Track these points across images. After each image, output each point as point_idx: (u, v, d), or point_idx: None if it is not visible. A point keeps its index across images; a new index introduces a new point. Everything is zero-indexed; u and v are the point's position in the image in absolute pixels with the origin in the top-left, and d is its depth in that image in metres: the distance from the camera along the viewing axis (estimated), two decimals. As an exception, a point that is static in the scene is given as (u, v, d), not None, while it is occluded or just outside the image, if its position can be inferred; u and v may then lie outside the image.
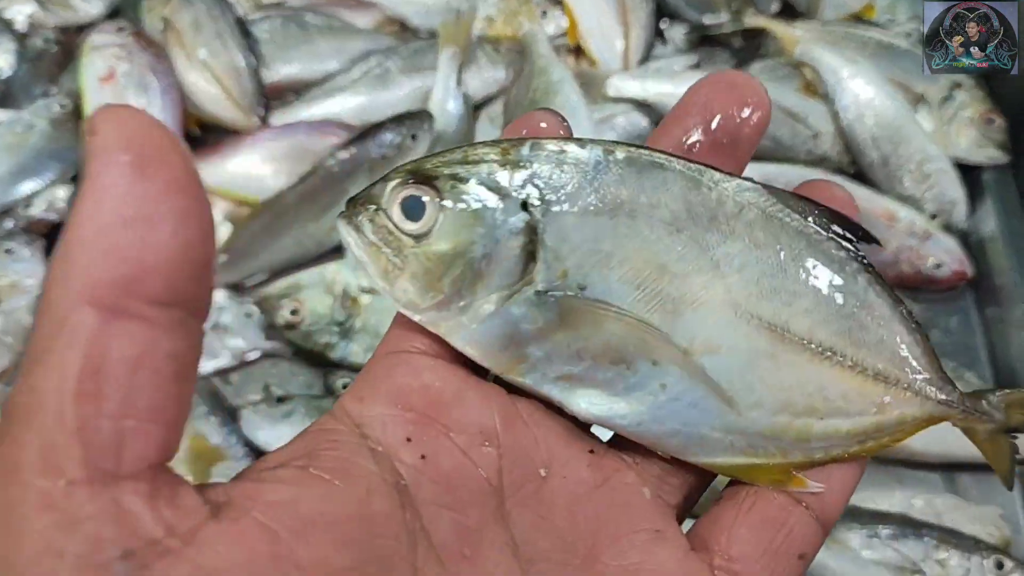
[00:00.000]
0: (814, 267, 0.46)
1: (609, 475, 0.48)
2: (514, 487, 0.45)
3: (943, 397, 0.48)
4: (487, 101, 1.45)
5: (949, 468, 1.21)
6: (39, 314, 0.35)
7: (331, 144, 1.31)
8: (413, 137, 1.29)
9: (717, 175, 0.47)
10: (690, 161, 0.47)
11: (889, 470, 1.21)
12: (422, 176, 0.45)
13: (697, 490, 0.50)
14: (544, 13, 1.50)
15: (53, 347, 0.33)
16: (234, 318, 1.24)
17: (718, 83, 0.51)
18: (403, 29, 1.52)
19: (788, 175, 1.35)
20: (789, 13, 1.52)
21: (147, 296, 0.34)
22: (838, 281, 0.47)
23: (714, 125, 0.50)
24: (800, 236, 0.47)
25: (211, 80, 1.36)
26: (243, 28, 1.41)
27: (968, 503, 1.15)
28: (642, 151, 0.47)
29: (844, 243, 0.48)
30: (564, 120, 0.51)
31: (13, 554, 0.32)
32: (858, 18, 1.51)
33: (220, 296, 1.25)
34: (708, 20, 1.48)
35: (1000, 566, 1.05)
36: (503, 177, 0.45)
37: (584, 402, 0.47)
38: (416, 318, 0.46)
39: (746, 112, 0.50)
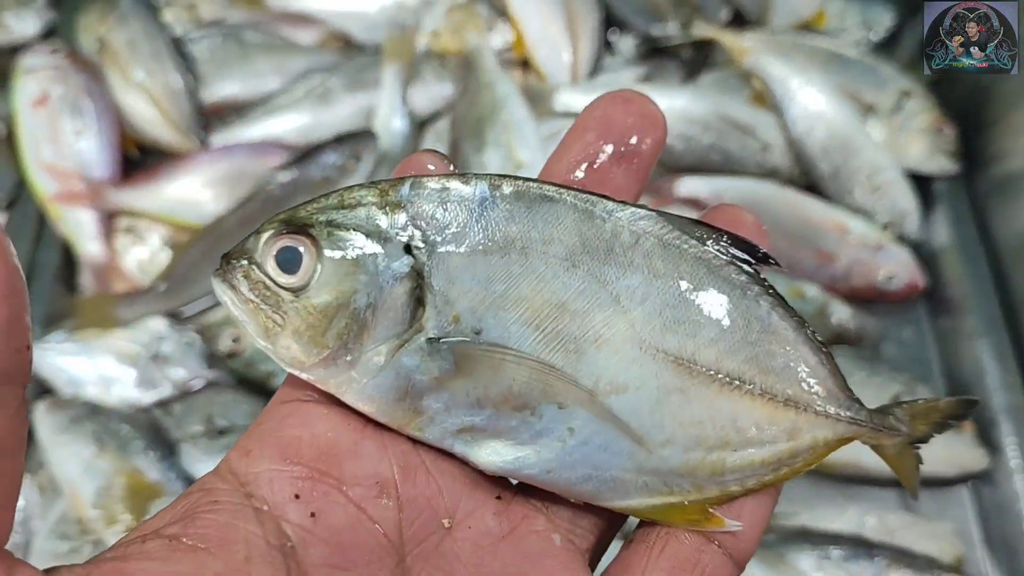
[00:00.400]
0: (716, 294, 0.45)
1: (517, 523, 0.46)
2: (415, 541, 0.43)
3: (852, 416, 0.47)
4: (433, 117, 1.43)
5: (902, 484, 1.19)
6: None
7: (272, 166, 1.28)
8: (356, 158, 1.27)
9: (610, 204, 0.45)
10: (581, 191, 0.45)
11: (842, 488, 1.19)
12: (296, 225, 0.43)
13: (609, 531, 0.49)
14: (491, 26, 1.47)
15: None
16: (175, 347, 1.20)
17: (614, 100, 0.50)
18: (347, 45, 1.49)
19: (739, 188, 1.34)
20: (740, 22, 1.51)
21: None
22: (741, 307, 0.46)
23: (613, 140, 0.49)
24: (699, 263, 0.45)
25: (148, 102, 1.33)
26: (181, 47, 1.38)
27: (921, 520, 1.14)
28: (530, 184, 0.45)
29: (745, 267, 0.46)
30: (450, 162, 0.49)
31: None
32: (808, 27, 1.50)
33: (160, 325, 1.21)
34: (657, 31, 1.46)
35: (952, 586, 1.04)
36: (383, 220, 0.43)
37: (488, 452, 0.45)
38: (304, 376, 0.44)
39: (642, 128, 0.49)
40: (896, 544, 1.09)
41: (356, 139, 1.29)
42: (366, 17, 1.46)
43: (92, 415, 1.12)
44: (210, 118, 1.38)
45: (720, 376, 0.45)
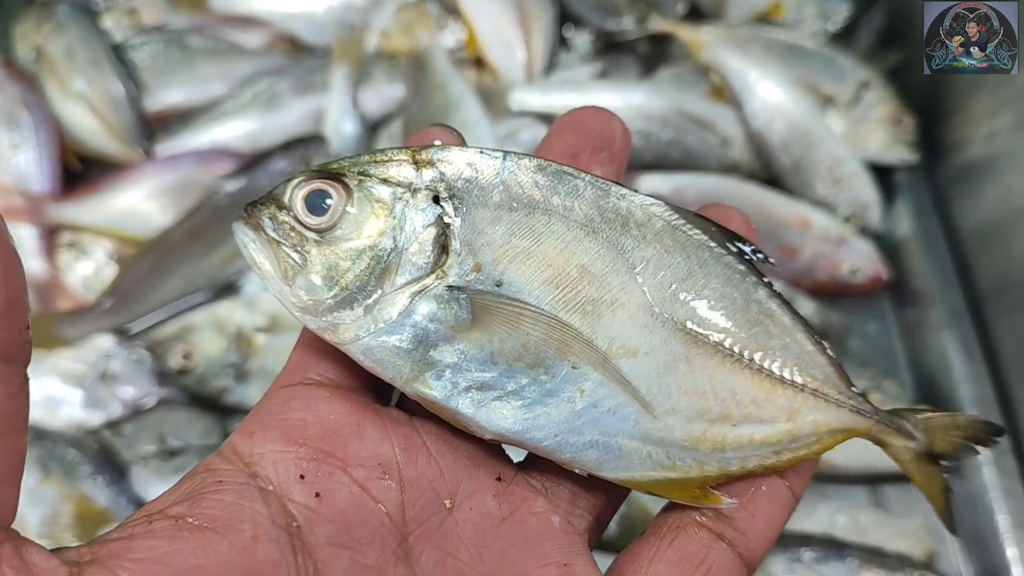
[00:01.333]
0: (720, 275, 0.47)
1: (517, 505, 0.46)
2: (417, 521, 0.44)
3: (853, 404, 0.48)
4: (385, 120, 1.39)
5: (873, 481, 1.18)
6: None
7: (219, 174, 1.24)
8: (306, 164, 1.23)
9: (624, 189, 0.47)
10: (595, 176, 0.48)
11: (814, 486, 1.18)
12: (328, 173, 0.45)
13: (607, 513, 0.49)
14: (442, 25, 1.44)
15: None
16: (124, 365, 1.16)
17: (584, 111, 0.53)
18: (294, 47, 1.45)
19: (700, 185, 1.32)
20: (696, 15, 1.48)
21: None
22: (742, 289, 0.48)
23: (589, 138, 0.52)
24: (703, 248, 0.48)
25: (88, 112, 1.28)
26: (121, 55, 1.33)
27: (891, 517, 1.12)
28: (551, 161, 0.47)
29: (742, 259, 0.49)
30: (460, 136, 0.50)
31: None
32: (765, 19, 1.48)
33: (108, 342, 1.17)
34: (612, 26, 1.44)
35: (924, 584, 1.03)
36: (413, 173, 0.45)
37: (495, 415, 0.45)
38: (313, 325, 0.44)
39: (612, 130, 0.53)
40: (868, 543, 1.07)
41: (306, 144, 1.25)
42: (313, 18, 1.42)
43: (36, 440, 1.07)
44: (154, 127, 1.34)
45: (723, 348, 0.46)
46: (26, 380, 0.35)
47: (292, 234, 0.44)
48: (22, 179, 1.23)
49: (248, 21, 1.43)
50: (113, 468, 1.09)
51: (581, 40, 1.47)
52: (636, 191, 0.48)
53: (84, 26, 1.32)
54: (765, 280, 0.49)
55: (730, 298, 0.47)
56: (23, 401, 0.35)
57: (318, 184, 0.44)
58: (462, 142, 0.49)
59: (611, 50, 1.46)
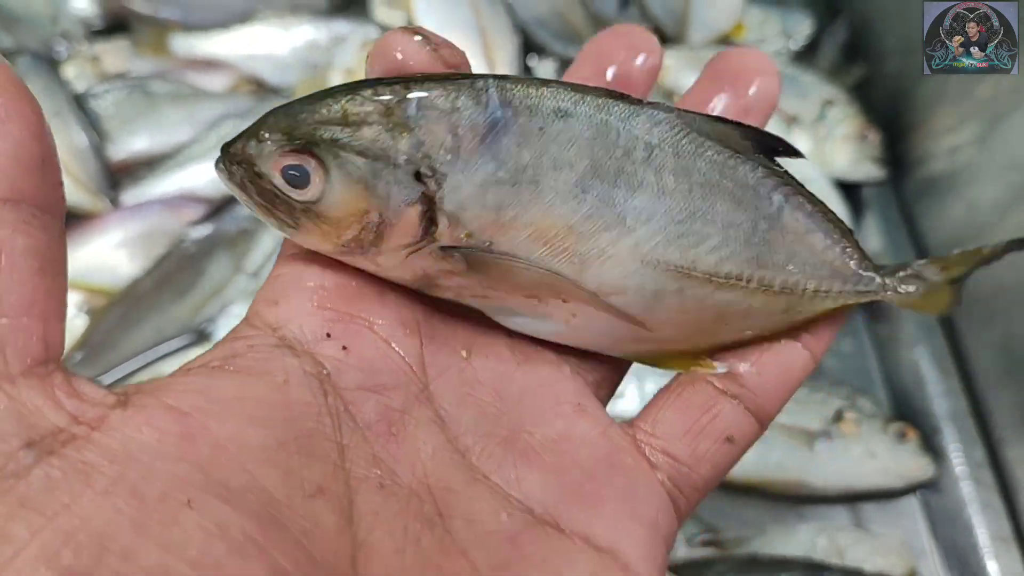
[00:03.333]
0: (726, 200, 0.47)
1: (530, 354, 0.49)
2: (437, 371, 0.46)
3: (859, 289, 0.51)
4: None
5: (852, 500, 1.19)
6: None
7: (186, 221, 1.24)
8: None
9: (627, 109, 0.46)
10: (599, 96, 0.46)
11: (792, 509, 1.18)
12: (300, 142, 0.42)
13: (613, 376, 0.53)
14: (407, 60, 1.44)
15: None
16: (97, 418, 1.15)
17: (611, 34, 0.55)
18: (259, 88, 1.45)
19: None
20: (658, 40, 1.49)
21: None
22: (751, 208, 0.47)
23: (609, 73, 0.54)
24: (713, 167, 0.47)
25: (53, 163, 1.27)
26: (84, 104, 1.32)
27: (870, 536, 1.13)
28: (545, 93, 0.45)
29: (761, 162, 0.48)
30: (427, 39, 0.45)
31: None
32: (727, 40, 1.49)
33: (80, 395, 1.16)
34: (575, 53, 1.44)
35: (904, 605, 1.03)
36: (390, 144, 0.42)
37: (500, 317, 0.48)
38: (324, 250, 0.46)
39: (639, 59, 0.54)
40: (847, 565, 1.08)
41: (273, 187, 1.24)
42: (277, 59, 1.42)
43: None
44: (119, 175, 1.33)
45: (717, 279, 0.47)
46: (63, 230, 0.39)
47: (278, 201, 0.43)
48: (-12, 235, 1.22)
49: (211, 64, 1.43)
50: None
51: (545, 69, 1.47)
52: (643, 104, 0.46)
53: (46, 77, 1.31)
54: (784, 180, 0.49)
55: (735, 225, 0.47)
56: (63, 248, 0.38)
57: (291, 158, 0.42)
58: (428, 48, 0.45)
59: (576, 77, 1.47)
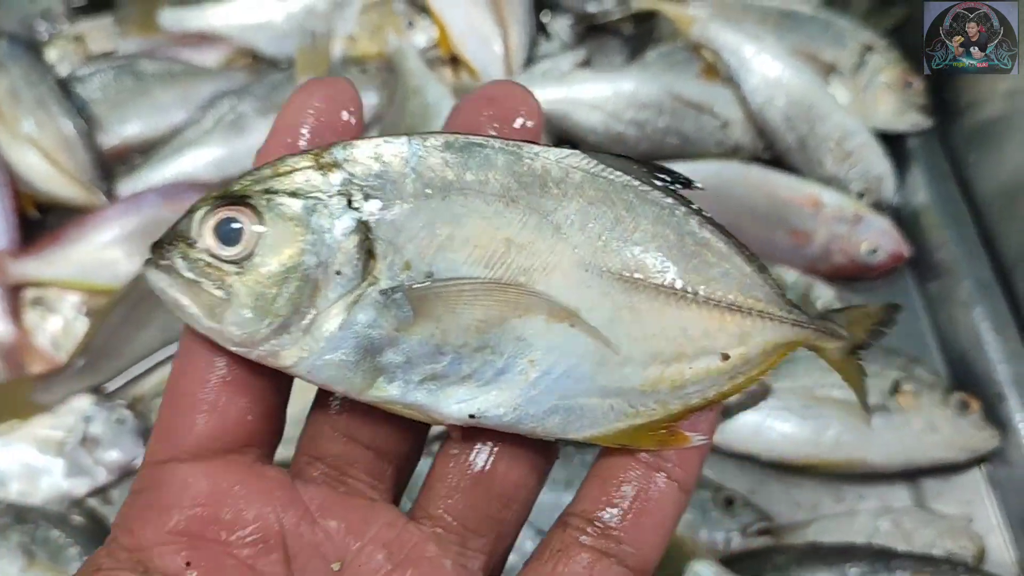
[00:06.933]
0: (648, 215, 0.47)
1: (408, 552, 0.46)
2: None
3: (795, 318, 0.49)
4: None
5: (912, 476, 1.12)
6: None
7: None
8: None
9: (536, 147, 0.46)
10: (506, 139, 0.46)
11: (850, 488, 1.11)
12: (231, 199, 0.43)
13: (500, 550, 0.48)
14: (411, 23, 1.34)
15: None
16: (105, 427, 1.09)
17: (483, 99, 0.49)
18: (256, 62, 1.36)
19: (699, 171, 1.23)
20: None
21: None
22: (673, 224, 0.47)
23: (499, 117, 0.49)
24: (627, 189, 0.47)
25: (40, 156, 1.19)
26: (69, 89, 1.23)
27: (935, 516, 1.06)
28: (457, 135, 0.46)
29: (668, 191, 0.48)
30: (347, 86, 0.47)
31: None
32: (753, -15, 1.38)
33: (85, 404, 1.10)
34: (593, 8, 1.35)
35: (979, 589, 0.96)
36: (320, 179, 0.43)
37: (454, 402, 0.45)
38: (254, 354, 0.43)
39: (518, 122, 0.49)
40: (915, 549, 1.01)
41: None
42: (273, 28, 1.33)
43: (18, 523, 1.00)
44: (112, 164, 1.24)
45: (665, 287, 0.46)
46: None
47: (209, 270, 0.42)
48: (-25, 237, 1.15)
49: (203, 38, 1.34)
50: (102, 542, 1.02)
51: (560, 26, 1.38)
52: (550, 147, 0.46)
53: (26, 63, 1.21)
54: (695, 207, 0.48)
55: (662, 236, 0.47)
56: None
57: (224, 212, 0.42)
58: (347, 87, 0.47)
59: (593, 34, 1.37)
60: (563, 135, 1.27)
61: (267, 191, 0.43)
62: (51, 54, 1.30)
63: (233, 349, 0.43)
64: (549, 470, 0.50)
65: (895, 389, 1.10)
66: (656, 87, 1.25)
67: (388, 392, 0.44)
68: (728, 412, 1.10)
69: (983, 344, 1.14)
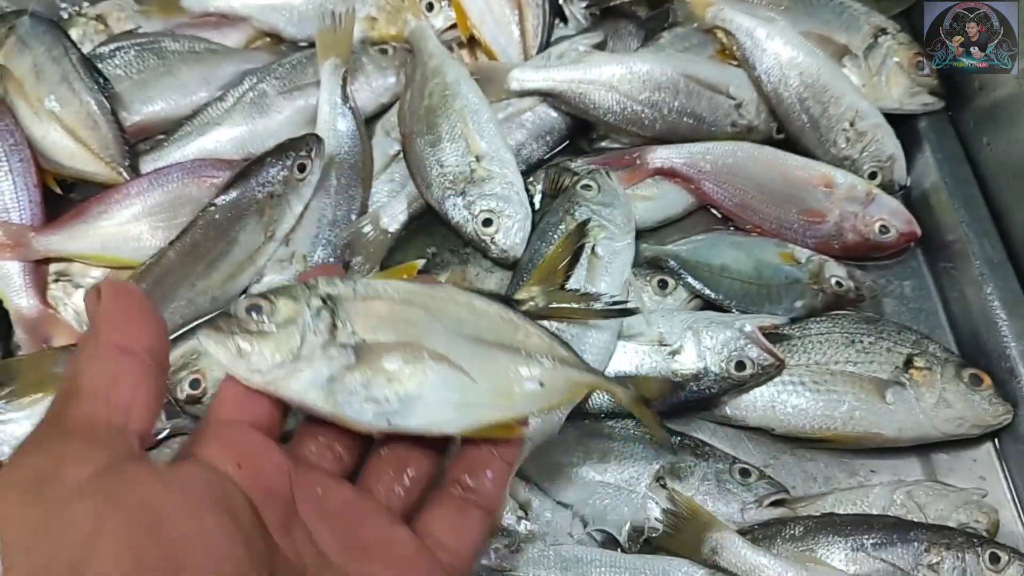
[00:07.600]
0: (489, 314, 0.72)
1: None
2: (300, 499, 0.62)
3: (588, 370, 0.77)
4: (381, 112, 1.32)
5: (923, 449, 1.13)
6: None
7: (211, 186, 1.17)
8: (300, 168, 1.15)
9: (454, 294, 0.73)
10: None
11: (863, 460, 1.13)
12: (256, 298, 0.66)
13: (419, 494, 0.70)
14: (430, 5, 1.36)
15: None
16: (128, 399, 1.09)
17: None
18: (277, 42, 1.37)
19: (714, 153, 1.25)
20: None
21: None
22: (505, 317, 0.73)
23: None
24: (480, 301, 0.73)
25: (63, 132, 1.20)
26: (92, 66, 1.24)
27: (949, 489, 1.07)
28: (393, 283, 0.71)
29: (504, 303, 0.74)
30: (338, 268, 0.80)
31: None
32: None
33: (109, 376, 1.10)
34: (608, -11, 1.36)
35: (995, 559, 0.98)
36: (307, 292, 0.67)
37: (374, 416, 0.66)
38: (261, 379, 0.63)
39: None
40: (930, 521, 1.02)
41: (299, 146, 1.17)
42: (294, 9, 1.34)
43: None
44: (136, 141, 1.25)
45: (500, 344, 0.72)
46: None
47: (241, 329, 0.64)
48: (0, 211, 1.16)
49: (225, 19, 1.35)
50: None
51: (576, 8, 1.39)
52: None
53: (49, 40, 1.22)
54: (516, 310, 0.74)
55: (496, 320, 0.72)
56: None
57: (252, 301, 0.65)
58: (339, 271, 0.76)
59: (609, 16, 1.39)
60: (581, 114, 1.29)
61: (277, 293, 0.67)
62: (72, 34, 1.30)
63: (250, 376, 0.63)
64: (445, 448, 0.71)
65: (908, 364, 1.11)
66: (671, 68, 1.26)
67: (345, 411, 0.65)
68: (743, 386, 1.11)
69: (994, 322, 1.16)
